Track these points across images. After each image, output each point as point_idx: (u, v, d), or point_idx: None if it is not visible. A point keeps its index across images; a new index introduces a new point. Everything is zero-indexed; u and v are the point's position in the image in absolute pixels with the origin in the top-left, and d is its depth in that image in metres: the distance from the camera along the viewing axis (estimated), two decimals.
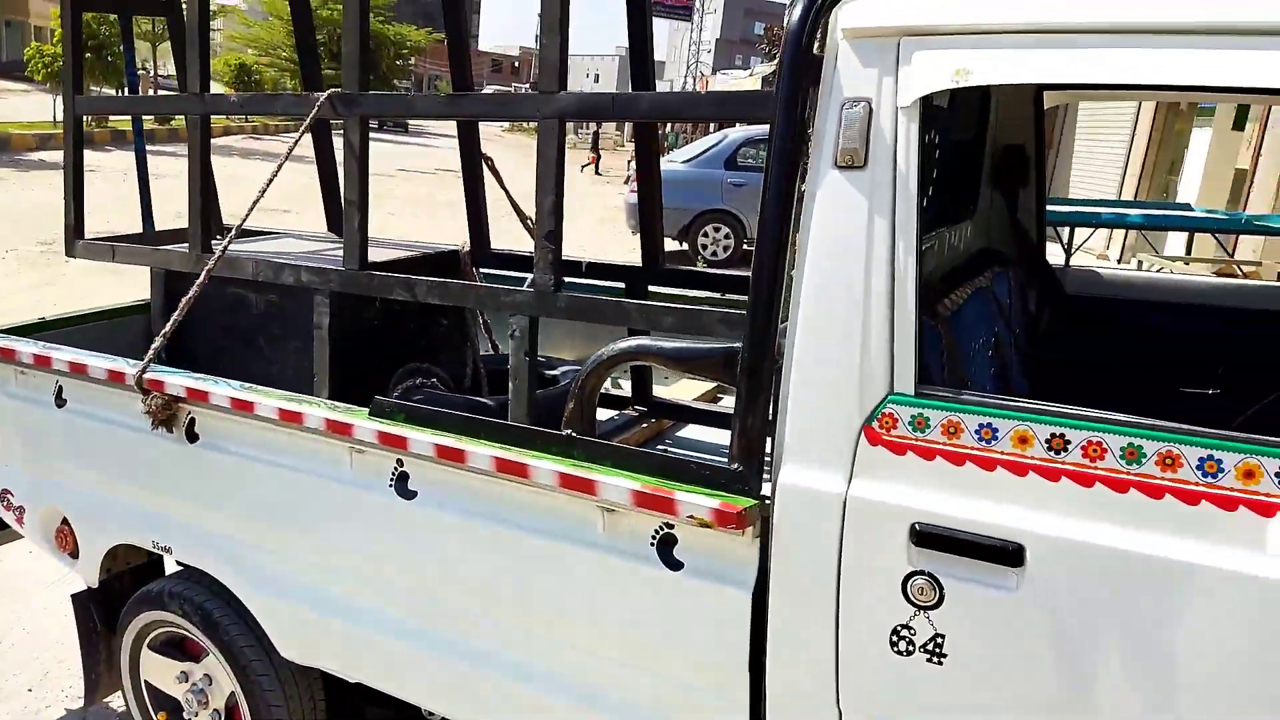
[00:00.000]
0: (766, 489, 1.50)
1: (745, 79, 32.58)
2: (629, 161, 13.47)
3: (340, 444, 1.89)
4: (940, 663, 1.36)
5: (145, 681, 2.47)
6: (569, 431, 1.75)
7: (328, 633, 2.07)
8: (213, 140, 2.71)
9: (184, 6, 2.96)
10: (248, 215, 2.33)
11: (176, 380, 2.07)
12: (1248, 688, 1.20)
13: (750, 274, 1.47)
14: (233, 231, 2.31)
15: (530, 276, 2.09)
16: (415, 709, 2.19)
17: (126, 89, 3.22)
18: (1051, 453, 1.28)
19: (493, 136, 37.44)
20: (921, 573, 1.36)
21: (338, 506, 1.95)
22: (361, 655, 2.04)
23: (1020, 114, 2.52)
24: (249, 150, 16.66)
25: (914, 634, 1.38)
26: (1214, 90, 1.49)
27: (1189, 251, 7.08)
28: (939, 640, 1.36)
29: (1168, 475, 1.22)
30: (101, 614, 2.54)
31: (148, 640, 2.42)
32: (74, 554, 2.48)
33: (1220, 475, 1.19)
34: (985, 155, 2.49)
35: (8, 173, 14.37)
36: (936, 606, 1.36)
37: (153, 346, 2.14)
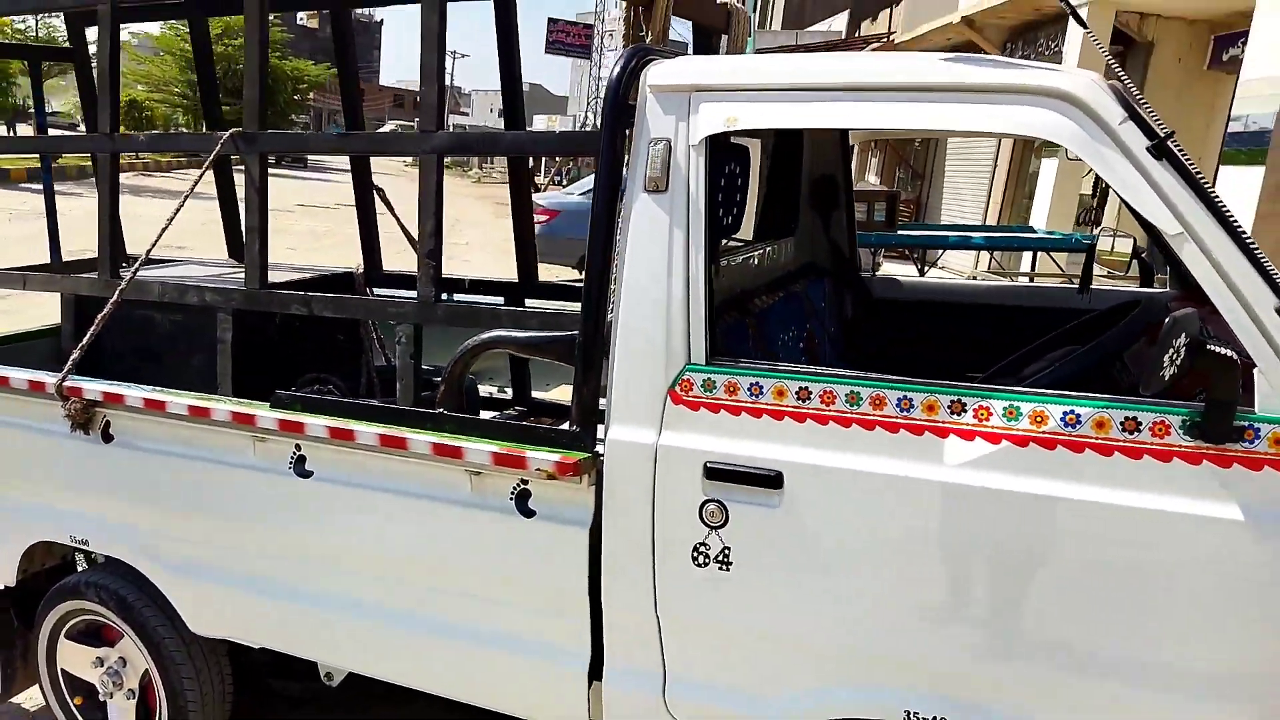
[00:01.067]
0: (599, 450, 1.89)
1: None
2: (543, 188, 13.87)
3: (244, 434, 2.19)
4: (728, 569, 1.76)
5: (62, 670, 2.67)
6: (440, 410, 2.10)
7: (234, 606, 2.35)
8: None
9: (91, 53, 3.23)
10: (156, 241, 2.60)
11: (94, 386, 2.34)
12: (924, 561, 1.63)
13: (584, 276, 1.86)
14: (143, 255, 2.59)
15: (396, 298, 2.42)
16: (313, 673, 2.48)
17: (35, 129, 3.43)
18: (799, 401, 1.70)
19: (396, 171, 37.37)
20: (712, 500, 1.76)
21: (243, 491, 2.24)
22: (264, 622, 2.33)
23: (829, 151, 3.01)
24: (139, 186, 16.33)
25: (709, 549, 1.77)
26: (880, 131, 1.97)
27: (1033, 269, 7.89)
28: (727, 551, 1.76)
29: (878, 413, 1.65)
30: (17, 612, 2.74)
31: (65, 630, 2.63)
32: None
33: (912, 410, 1.63)
34: (802, 184, 2.97)
35: None
36: (724, 525, 1.76)
37: (71, 358, 2.40)
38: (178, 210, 2.62)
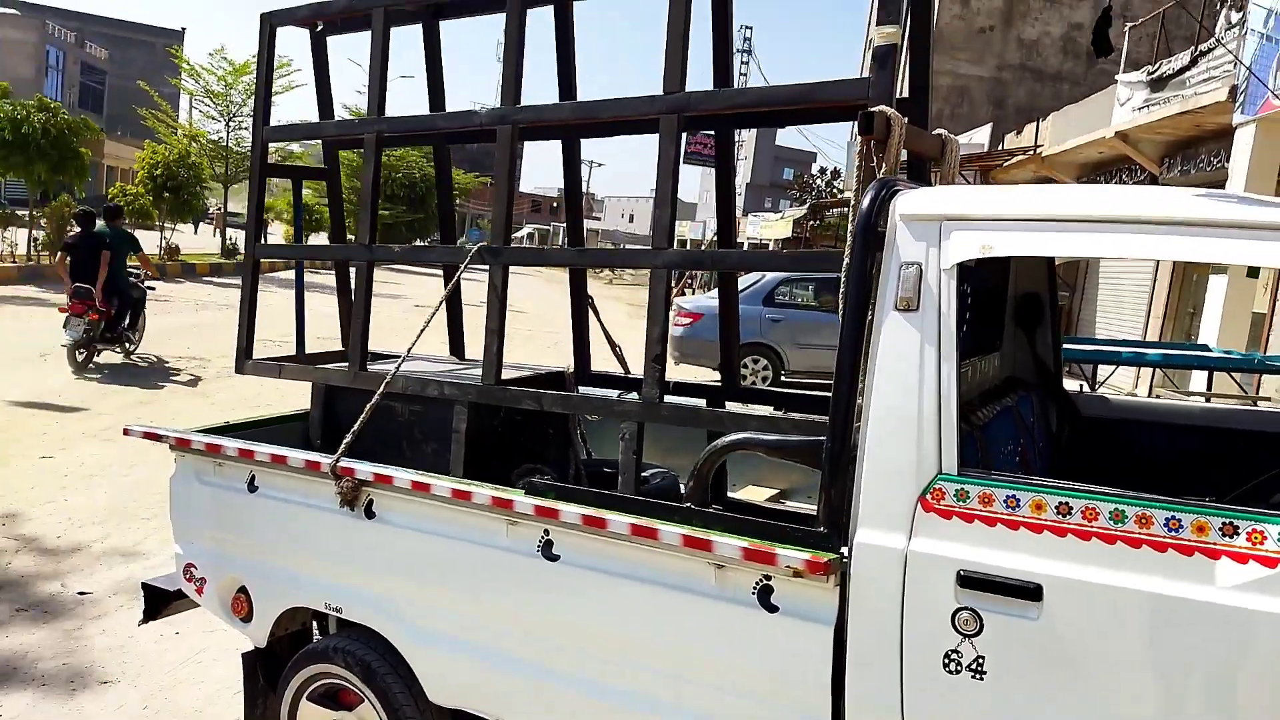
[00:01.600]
0: (844, 550, 1.99)
1: (776, 221, 34.15)
2: (676, 293, 14.33)
3: (500, 517, 2.40)
4: (981, 679, 1.81)
5: None
6: (688, 504, 2.25)
7: (473, 678, 2.52)
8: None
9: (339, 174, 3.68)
10: (415, 342, 2.91)
11: (365, 468, 2.61)
12: (1188, 684, 1.63)
13: (833, 384, 2.01)
14: (405, 353, 2.89)
15: (619, 392, 2.62)
16: None
17: (295, 238, 3.89)
18: (1059, 516, 1.76)
19: (531, 272, 39.31)
20: (966, 608, 1.82)
21: (493, 569, 2.44)
22: (500, 696, 2.48)
23: (1035, 268, 3.09)
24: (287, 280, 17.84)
25: (961, 656, 1.83)
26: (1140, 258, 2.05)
27: (1209, 388, 7.53)
28: (980, 660, 1.81)
29: (1144, 531, 1.70)
30: (264, 672, 3.00)
31: (308, 693, 2.86)
32: (246, 619, 2.97)
33: (1180, 530, 1.67)
34: (1008, 302, 3.06)
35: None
36: (978, 634, 1.81)
37: (345, 441, 2.70)
38: (432, 316, 2.94)
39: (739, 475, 3.64)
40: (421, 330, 2.86)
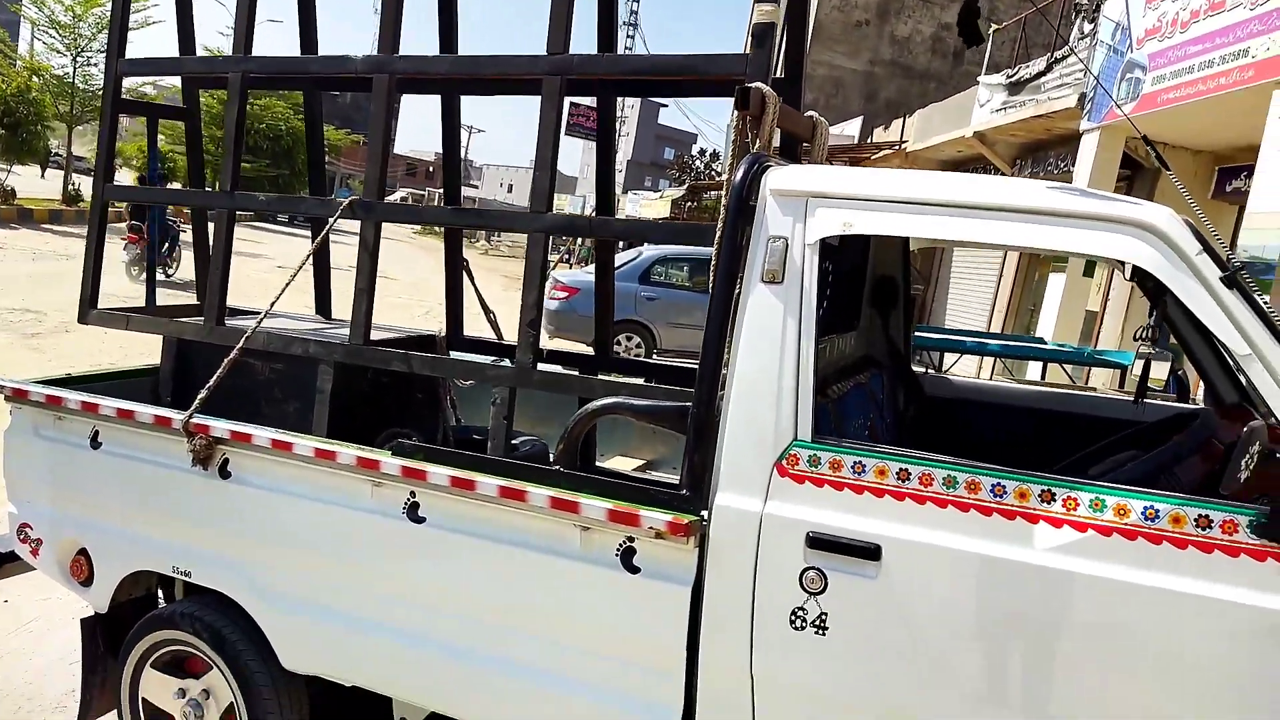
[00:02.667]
0: (704, 513, 2.06)
1: (655, 200, 34.45)
2: (552, 267, 14.24)
3: (365, 478, 2.36)
4: (824, 634, 1.92)
5: (143, 699, 2.77)
6: (558, 466, 2.28)
7: (330, 643, 2.48)
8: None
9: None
10: (278, 297, 2.81)
11: (221, 425, 2.52)
12: (1007, 636, 1.79)
13: (700, 353, 2.07)
14: (266, 308, 2.79)
15: (492, 359, 2.62)
16: (386, 716, 2.59)
17: (150, 181, 3.66)
18: (899, 481, 1.89)
19: (405, 237, 38.24)
20: (813, 568, 1.93)
21: (355, 532, 2.40)
22: (360, 661, 2.46)
23: (891, 254, 3.26)
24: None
25: (806, 613, 1.94)
26: (970, 244, 2.22)
27: (1043, 378, 8.13)
28: (823, 616, 1.92)
29: (972, 496, 1.84)
30: (105, 640, 2.86)
31: (151, 660, 2.74)
32: (86, 582, 2.81)
33: (1005, 496, 1.82)
34: (866, 284, 3.22)
35: None
36: (823, 592, 1.93)
37: (199, 397, 2.58)
38: (298, 270, 2.85)
39: (608, 445, 3.70)
40: (286, 284, 2.77)
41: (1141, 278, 2.50)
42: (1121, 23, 9.46)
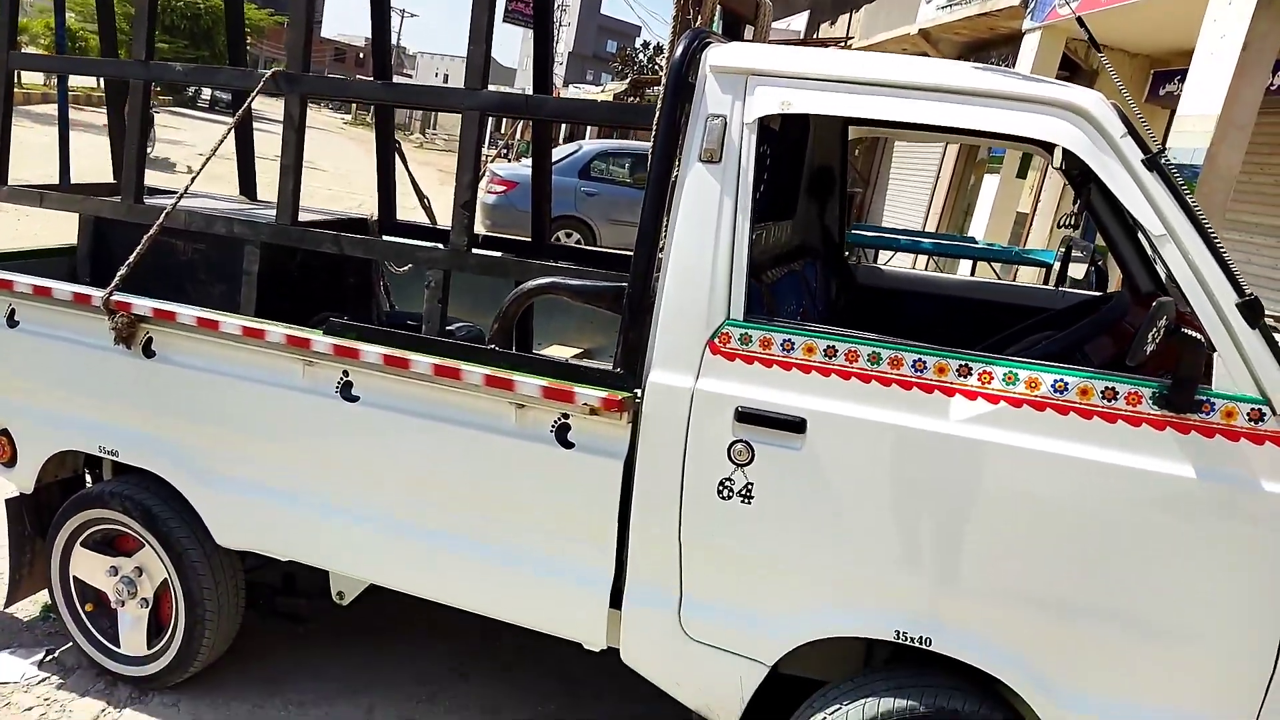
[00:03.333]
0: (638, 390, 2.10)
1: (598, 94, 33.55)
2: (490, 160, 13.86)
3: (296, 357, 2.33)
4: (749, 503, 2.00)
5: (74, 577, 2.76)
6: (493, 346, 2.28)
7: (264, 519, 2.49)
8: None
9: None
10: (198, 173, 2.70)
11: (144, 302, 2.45)
12: (923, 503, 1.89)
13: (636, 233, 2.07)
14: (186, 184, 2.68)
15: (425, 243, 2.58)
16: (319, 593, 2.63)
17: (57, 50, 3.44)
18: (826, 358, 1.94)
19: (335, 128, 36.77)
20: (741, 440, 1.99)
21: (287, 411, 2.38)
22: (294, 536, 2.48)
23: (830, 145, 3.26)
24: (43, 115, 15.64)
25: (734, 484, 2.01)
26: (906, 126, 2.22)
27: (972, 274, 8.33)
28: (749, 486, 2.00)
29: (895, 371, 1.90)
30: (32, 520, 2.82)
31: (81, 539, 2.73)
32: (9, 463, 2.76)
33: (925, 371, 1.89)
34: (804, 171, 3.22)
35: None
36: (750, 464, 1.99)
37: (119, 274, 2.50)
38: (218, 145, 2.73)
39: (545, 335, 3.70)
40: (207, 158, 2.67)
41: (1069, 166, 2.55)
42: None
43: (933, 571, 1.92)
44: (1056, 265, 3.11)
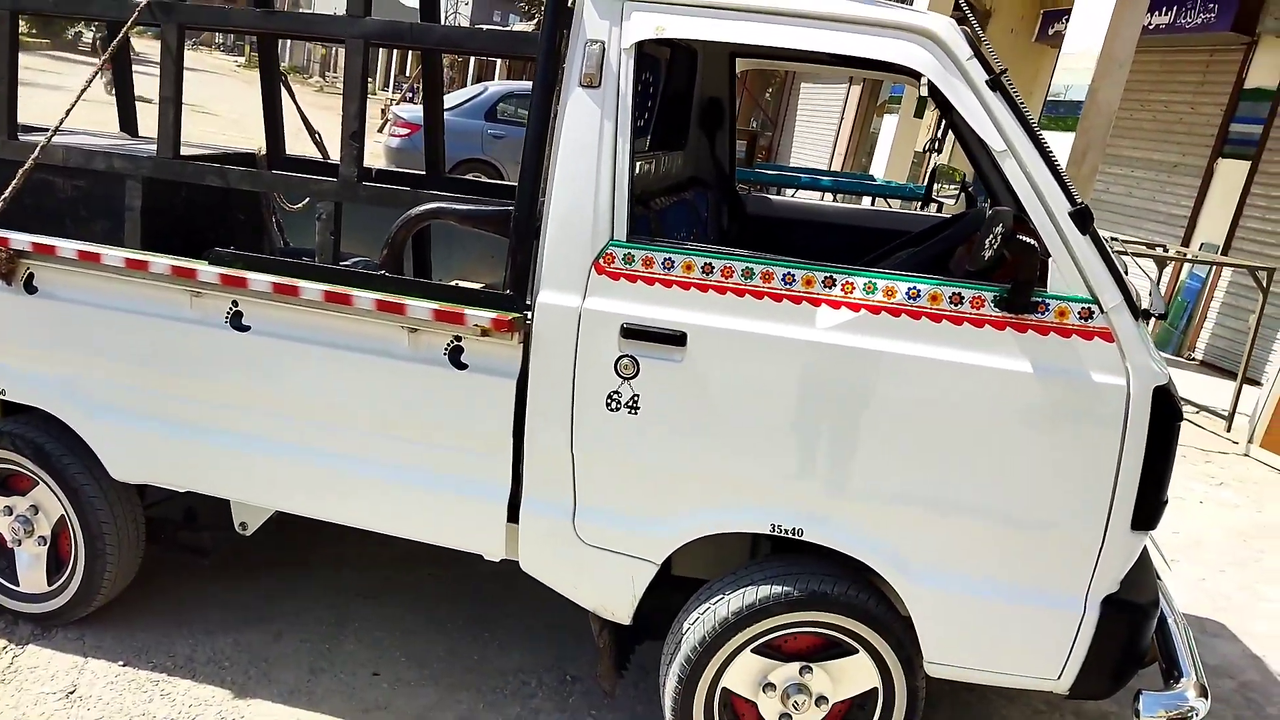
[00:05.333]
0: (528, 312, 2.18)
1: None
2: (383, 109, 13.49)
3: (183, 289, 2.33)
4: (635, 413, 2.12)
5: None
6: (383, 272, 2.32)
7: (160, 452, 2.50)
8: None
9: None
10: (72, 107, 2.62)
11: (23, 237, 2.40)
12: (793, 406, 2.04)
13: (521, 158, 2.13)
14: (59, 120, 2.61)
15: (318, 177, 2.58)
16: (222, 525, 2.67)
17: None
18: (704, 275, 2.05)
19: (228, 71, 35.10)
20: (626, 355, 2.09)
21: (177, 343, 2.38)
22: (191, 467, 2.50)
23: (719, 75, 3.35)
24: None
25: (621, 396, 2.12)
26: (778, 54, 2.32)
27: None
28: (636, 398, 2.11)
29: (766, 285, 2.03)
30: None
31: None
32: None
33: (794, 284, 2.02)
34: (693, 104, 3.30)
35: None
36: (635, 377, 2.10)
37: None
38: (93, 77, 2.65)
39: (446, 270, 3.73)
40: (80, 92, 2.58)
41: (932, 90, 2.69)
42: None
43: (803, 469, 2.07)
44: (927, 191, 3.28)
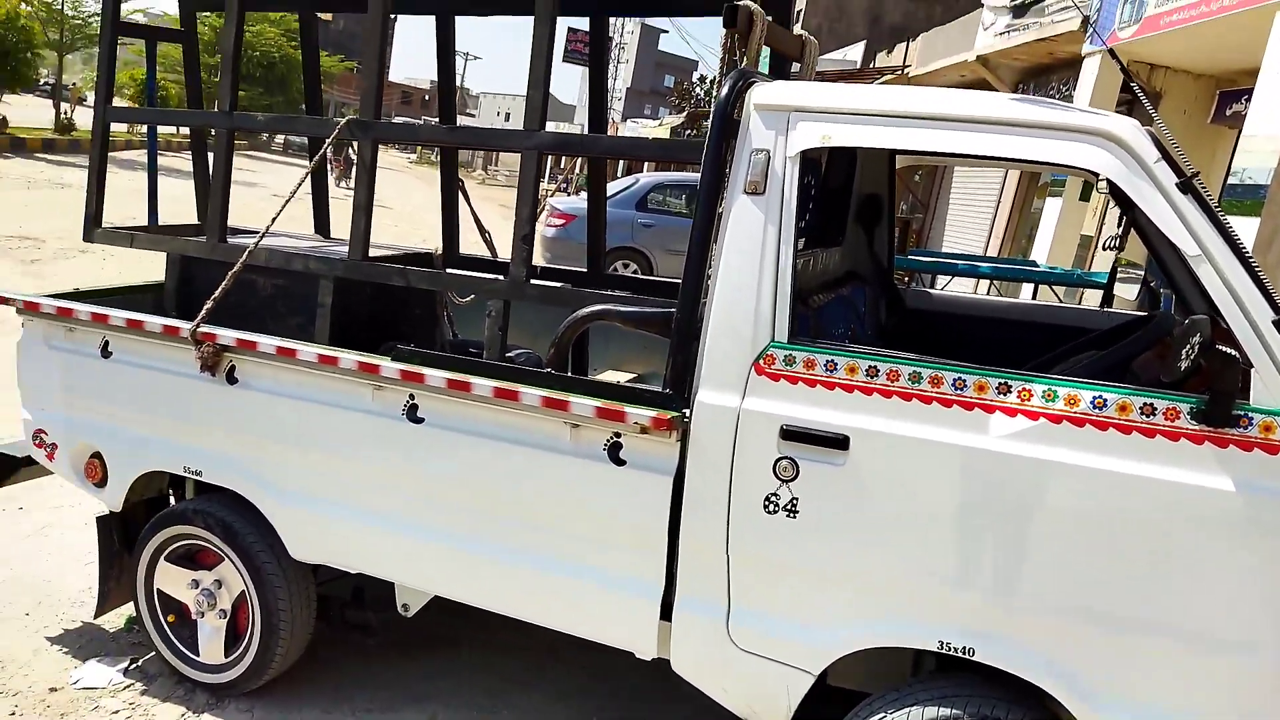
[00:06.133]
0: (686, 410, 2.19)
1: (654, 128, 33.99)
2: (549, 194, 14.19)
3: (366, 382, 2.49)
4: (794, 517, 2.07)
5: (158, 590, 2.95)
6: (549, 369, 2.40)
7: (335, 534, 2.64)
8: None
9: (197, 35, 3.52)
10: (278, 214, 2.89)
11: (227, 333, 2.63)
12: (965, 517, 1.93)
13: (684, 260, 2.17)
14: (267, 225, 2.88)
15: (486, 275, 2.72)
16: (385, 606, 2.76)
17: (148, 102, 3.72)
18: (868, 377, 2.01)
19: (401, 166, 37.90)
20: (786, 457, 2.06)
21: (358, 432, 2.53)
22: (364, 550, 2.62)
23: (878, 173, 3.33)
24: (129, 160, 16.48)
25: (779, 499, 2.08)
26: (949, 158, 2.29)
27: (1034, 299, 8.23)
28: (794, 501, 2.07)
29: (935, 389, 1.96)
30: (120, 537, 3.02)
31: (165, 554, 2.91)
32: (100, 483, 2.96)
33: (965, 389, 1.95)
34: (851, 200, 3.29)
35: None
36: (794, 479, 2.06)
37: (205, 307, 2.69)
38: (297, 187, 2.92)
39: (600, 360, 3.82)
40: (286, 200, 2.84)
41: (1112, 188, 2.59)
42: None
43: (976, 584, 1.96)
44: (1106, 286, 3.12)
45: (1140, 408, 1.84)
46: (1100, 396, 1.87)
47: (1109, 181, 1.96)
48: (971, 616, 1.98)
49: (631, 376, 3.80)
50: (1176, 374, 1.72)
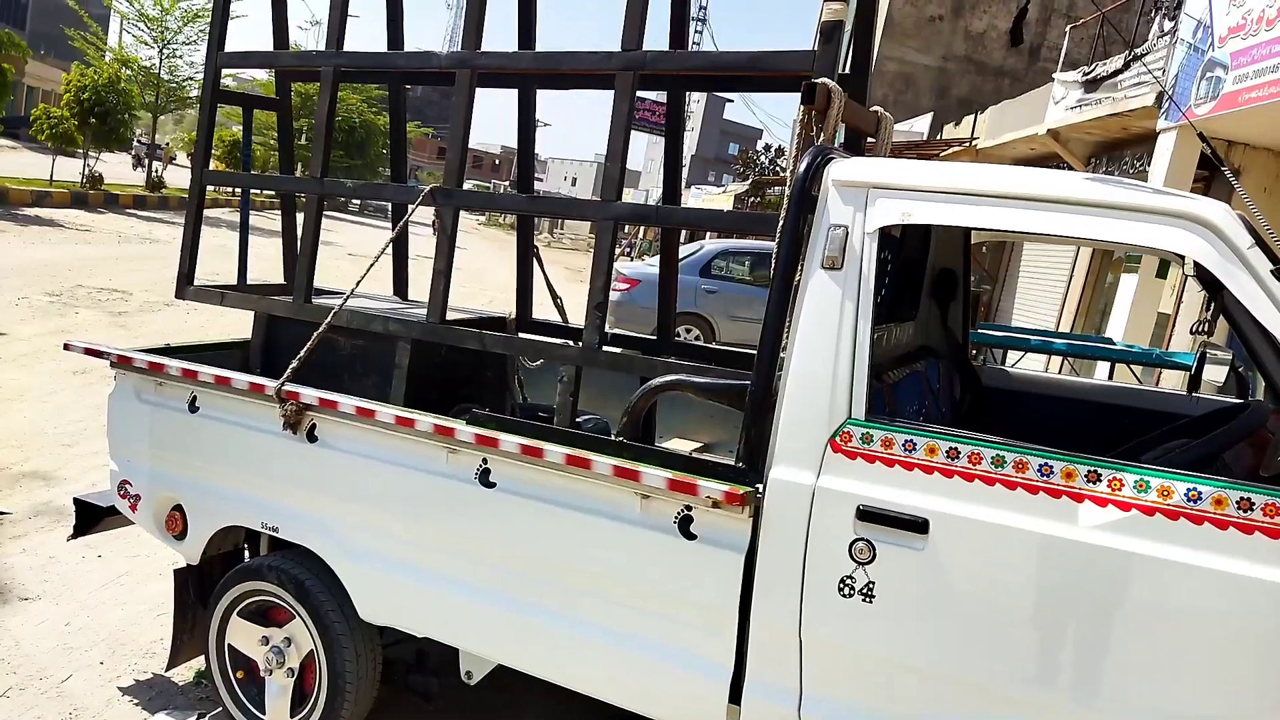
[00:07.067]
0: (759, 485, 2.17)
1: (719, 195, 34.44)
2: (621, 259, 14.42)
3: (440, 445, 2.52)
4: (870, 601, 2.02)
5: (229, 645, 2.98)
6: (620, 438, 2.41)
7: (405, 597, 2.65)
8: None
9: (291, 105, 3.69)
10: (363, 277, 2.99)
11: (310, 392, 2.70)
12: (1050, 609, 1.86)
13: (760, 333, 2.18)
14: (352, 287, 2.97)
15: (559, 340, 2.75)
16: (448, 671, 2.75)
17: (242, 166, 3.91)
18: (949, 459, 1.97)
19: (471, 229, 38.97)
20: (862, 539, 2.02)
21: (430, 494, 2.56)
22: (431, 614, 2.62)
23: (952, 248, 3.32)
24: (222, 220, 17.23)
25: (855, 582, 2.03)
26: (1033, 236, 2.26)
27: (1110, 379, 7.99)
28: (871, 585, 2.02)
29: (1020, 475, 1.91)
30: (195, 589, 3.08)
31: (238, 609, 2.95)
32: (180, 536, 3.04)
33: (1051, 475, 1.89)
34: (925, 274, 3.28)
35: (7, 225, 14.82)
36: (871, 562, 2.02)
37: (290, 366, 2.78)
38: (381, 252, 3.02)
39: (667, 428, 3.82)
40: (370, 265, 2.94)
41: (1200, 272, 2.53)
42: (1203, 20, 9.22)
43: (1062, 681, 1.88)
44: (1193, 370, 3.03)
45: (1237, 502, 1.77)
46: (1195, 489, 1.80)
47: (1196, 264, 1.92)
48: (1051, 715, 1.89)
49: (698, 445, 3.78)
50: (1276, 468, 1.65)
